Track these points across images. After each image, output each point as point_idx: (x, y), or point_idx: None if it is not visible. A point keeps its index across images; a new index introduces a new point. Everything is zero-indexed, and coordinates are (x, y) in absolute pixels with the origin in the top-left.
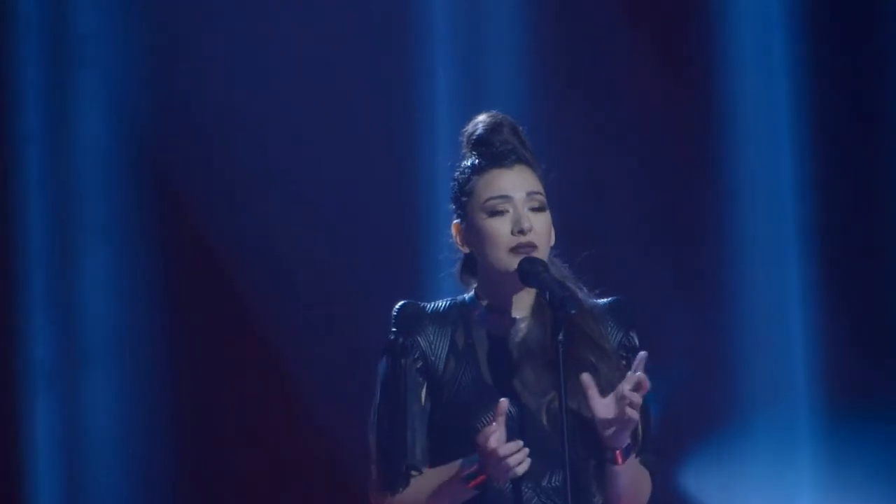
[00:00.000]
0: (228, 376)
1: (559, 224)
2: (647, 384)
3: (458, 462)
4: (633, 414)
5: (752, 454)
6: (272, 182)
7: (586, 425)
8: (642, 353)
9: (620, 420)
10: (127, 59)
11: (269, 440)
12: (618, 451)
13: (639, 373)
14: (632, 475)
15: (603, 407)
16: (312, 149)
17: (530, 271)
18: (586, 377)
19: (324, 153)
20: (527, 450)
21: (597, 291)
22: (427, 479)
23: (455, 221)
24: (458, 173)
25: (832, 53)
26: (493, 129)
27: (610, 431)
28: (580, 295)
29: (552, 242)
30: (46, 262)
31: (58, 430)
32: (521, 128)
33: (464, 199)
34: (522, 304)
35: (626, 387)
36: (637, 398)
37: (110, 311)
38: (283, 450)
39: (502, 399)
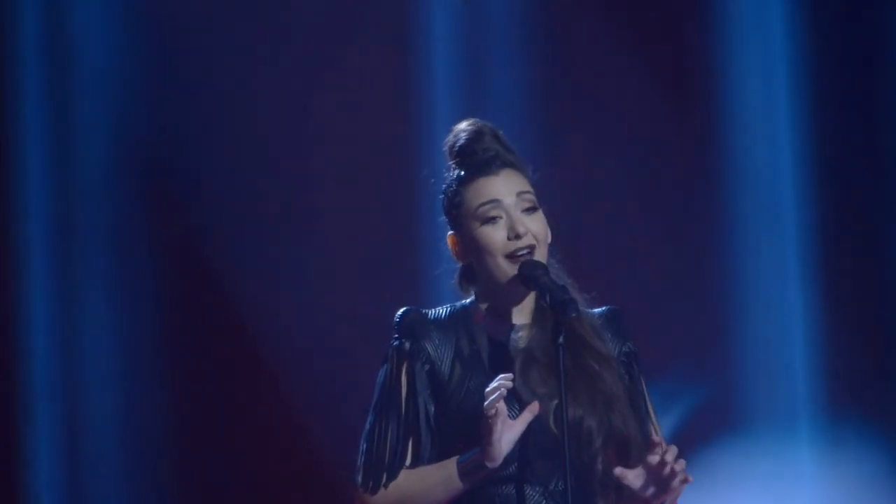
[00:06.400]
0: (226, 379)
1: (558, 226)
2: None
3: (452, 459)
4: (678, 485)
5: (753, 454)
6: (271, 184)
7: (591, 431)
8: (674, 448)
9: (665, 489)
10: (126, 64)
11: (269, 444)
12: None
13: (675, 452)
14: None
15: (635, 477)
16: (312, 151)
17: (531, 275)
18: (619, 471)
19: (324, 156)
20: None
21: (592, 294)
22: (415, 477)
23: (450, 233)
24: (445, 186)
25: (833, 56)
26: (474, 137)
27: (650, 494)
28: (580, 300)
29: (549, 240)
30: (46, 270)
31: (58, 431)
32: (501, 132)
33: (454, 211)
34: (524, 310)
35: (668, 457)
36: (679, 467)
37: (109, 314)
38: (283, 452)
39: (534, 402)
